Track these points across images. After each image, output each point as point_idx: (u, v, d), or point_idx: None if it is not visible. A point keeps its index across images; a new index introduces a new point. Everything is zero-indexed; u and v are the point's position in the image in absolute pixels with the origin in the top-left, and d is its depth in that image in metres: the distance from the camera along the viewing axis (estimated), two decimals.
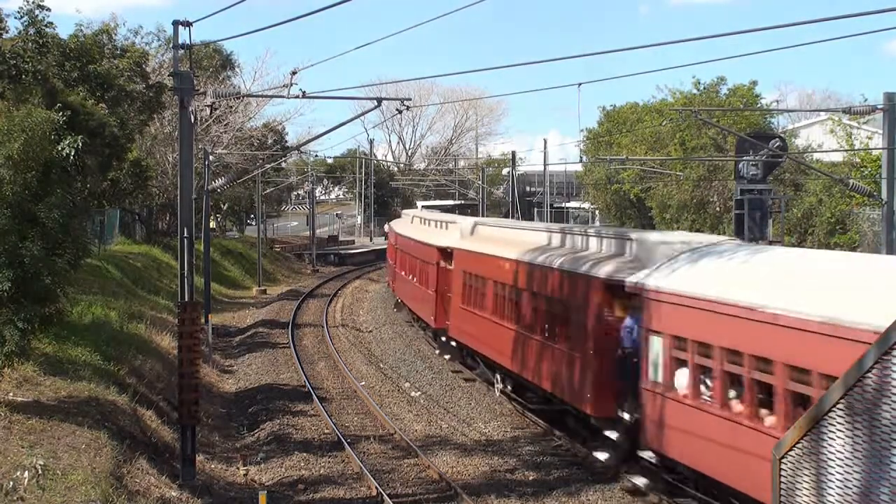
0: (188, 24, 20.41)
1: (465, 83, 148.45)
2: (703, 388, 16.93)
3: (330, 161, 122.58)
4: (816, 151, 47.08)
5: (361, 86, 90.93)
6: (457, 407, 28.34)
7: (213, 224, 61.51)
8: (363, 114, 69.97)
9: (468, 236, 33.59)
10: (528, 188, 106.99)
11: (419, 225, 44.74)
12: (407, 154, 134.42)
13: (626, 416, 19.84)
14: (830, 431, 9.10)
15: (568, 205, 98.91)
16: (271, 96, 58.04)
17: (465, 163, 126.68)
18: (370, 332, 43.10)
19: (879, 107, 27.75)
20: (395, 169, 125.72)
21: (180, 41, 20.70)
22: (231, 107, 63.91)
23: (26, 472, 13.75)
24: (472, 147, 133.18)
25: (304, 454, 23.07)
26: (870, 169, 41.55)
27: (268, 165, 64.61)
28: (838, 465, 8.96)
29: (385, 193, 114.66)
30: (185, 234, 20.49)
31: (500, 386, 28.76)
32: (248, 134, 71.29)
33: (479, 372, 31.49)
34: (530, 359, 24.90)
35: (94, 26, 44.44)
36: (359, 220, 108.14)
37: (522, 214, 68.28)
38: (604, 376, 20.59)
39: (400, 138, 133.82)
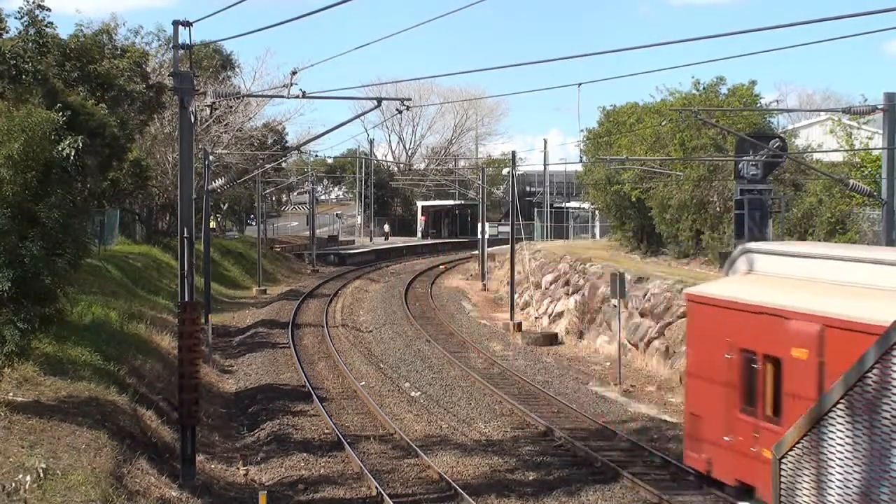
0: (188, 24, 20.41)
1: (465, 83, 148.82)
2: None
3: (330, 161, 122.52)
4: (816, 151, 47.05)
5: (361, 86, 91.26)
6: (457, 407, 28.33)
7: (213, 224, 61.44)
8: (363, 114, 69.89)
9: None
10: (528, 188, 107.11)
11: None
12: (407, 154, 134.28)
13: None
14: (831, 431, 9.09)
15: (568, 205, 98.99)
16: (271, 96, 58.09)
17: (465, 163, 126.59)
18: (370, 332, 43.09)
19: (879, 107, 27.71)
20: (395, 169, 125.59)
21: (180, 41, 20.70)
22: (231, 107, 63.89)
23: (28, 475, 13.75)
24: (472, 147, 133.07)
25: (304, 454, 23.07)
26: (870, 169, 41.54)
27: (268, 165, 64.57)
28: (838, 465, 8.95)
29: (385, 193, 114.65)
30: (185, 234, 20.49)
31: None
32: (248, 134, 71.25)
33: None
34: None
35: (94, 26, 44.31)
36: (359, 220, 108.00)
37: (522, 214, 68.15)
38: None
39: (400, 138, 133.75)
